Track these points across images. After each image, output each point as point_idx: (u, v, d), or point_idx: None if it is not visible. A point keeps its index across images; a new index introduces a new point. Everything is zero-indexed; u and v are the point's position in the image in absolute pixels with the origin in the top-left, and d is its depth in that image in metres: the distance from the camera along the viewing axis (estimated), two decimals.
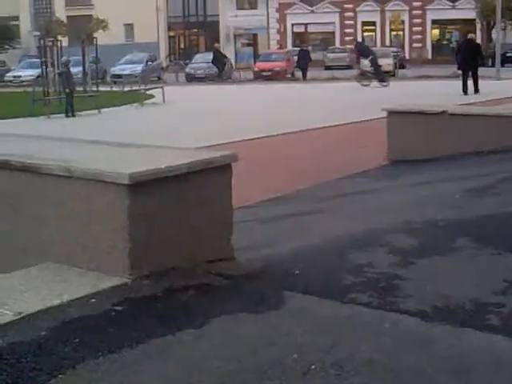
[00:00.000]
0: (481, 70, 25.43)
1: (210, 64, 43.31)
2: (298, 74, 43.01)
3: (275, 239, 5.70)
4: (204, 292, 3.82)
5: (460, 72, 25.06)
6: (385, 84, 30.30)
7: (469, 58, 24.29)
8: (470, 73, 24.46)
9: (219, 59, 41.52)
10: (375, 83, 30.43)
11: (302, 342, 3.16)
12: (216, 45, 47.03)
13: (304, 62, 41.63)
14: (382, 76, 31.54)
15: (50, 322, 3.39)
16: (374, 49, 48.21)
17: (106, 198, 4.01)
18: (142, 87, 26.54)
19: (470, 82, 24.28)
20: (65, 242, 4.24)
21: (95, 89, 26.51)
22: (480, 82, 25.15)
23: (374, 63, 32.17)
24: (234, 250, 4.43)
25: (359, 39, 35.94)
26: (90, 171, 4.07)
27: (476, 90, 24.24)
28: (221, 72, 40.77)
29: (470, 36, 28.00)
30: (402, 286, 3.94)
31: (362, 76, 32.07)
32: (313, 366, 2.92)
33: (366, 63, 32.72)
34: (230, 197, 4.46)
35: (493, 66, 37.28)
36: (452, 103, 16.82)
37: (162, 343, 3.16)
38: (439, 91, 24.58)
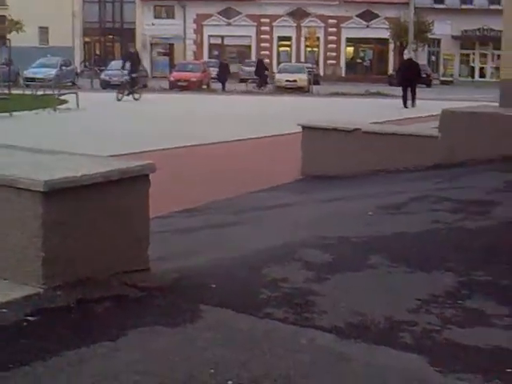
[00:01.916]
0: (391, 89, 26.47)
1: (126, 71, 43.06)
2: (215, 85, 43.28)
3: (190, 251, 5.66)
4: (119, 304, 3.76)
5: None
6: (136, 98, 29.42)
7: (409, 76, 26.92)
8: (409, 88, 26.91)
9: (261, 70, 41.93)
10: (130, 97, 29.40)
11: (219, 356, 3.15)
12: (260, 57, 47.04)
13: (223, 75, 42.36)
14: (135, 90, 30.19)
15: None
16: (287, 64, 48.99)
17: (19, 205, 3.92)
18: (55, 92, 26.09)
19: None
20: None
21: (7, 91, 25.97)
22: (391, 101, 26.19)
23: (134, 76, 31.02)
24: (150, 261, 4.38)
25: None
26: (4, 177, 3.97)
27: (413, 104, 26.67)
28: (263, 82, 41.02)
29: (410, 56, 31.47)
30: (317, 301, 3.97)
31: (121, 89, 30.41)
32: (229, 382, 2.90)
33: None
34: (147, 207, 4.41)
35: None
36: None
37: (75, 356, 3.10)
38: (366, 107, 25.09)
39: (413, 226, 6.08)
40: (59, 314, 3.56)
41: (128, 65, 31.15)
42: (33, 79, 36.49)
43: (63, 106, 24.51)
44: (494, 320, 3.81)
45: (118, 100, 28.65)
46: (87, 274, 4.00)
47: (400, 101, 26.97)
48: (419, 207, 7.08)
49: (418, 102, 27.13)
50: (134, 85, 30.48)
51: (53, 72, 40.06)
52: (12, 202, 3.95)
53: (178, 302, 3.84)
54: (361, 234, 5.84)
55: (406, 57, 44.90)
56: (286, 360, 3.14)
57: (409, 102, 26.95)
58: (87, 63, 59.64)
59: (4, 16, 54.79)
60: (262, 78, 41.73)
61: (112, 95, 29.20)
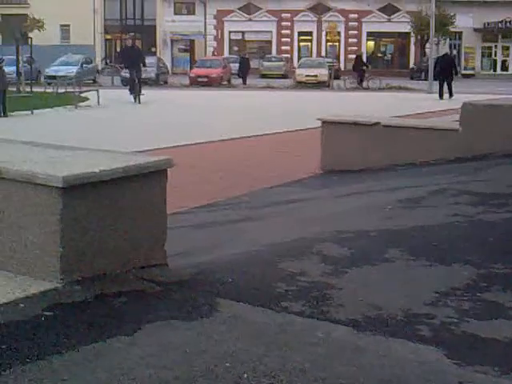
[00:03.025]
0: (412, 83, 27.02)
1: (147, 68, 43.17)
2: (235, 81, 43.36)
3: (208, 246, 5.68)
4: (136, 298, 3.77)
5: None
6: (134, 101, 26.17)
7: (445, 70, 29.83)
8: (446, 82, 29.92)
9: (359, 66, 40.72)
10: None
11: (235, 350, 3.15)
12: (359, 53, 46.69)
13: (244, 70, 42.65)
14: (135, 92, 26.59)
15: None
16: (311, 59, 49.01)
17: (38, 200, 3.93)
18: (76, 89, 26.23)
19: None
20: None
21: (29, 89, 26.14)
22: (412, 95, 28.27)
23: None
24: (167, 256, 4.39)
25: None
26: (23, 173, 3.98)
27: (450, 94, 29.33)
28: (361, 79, 39.64)
29: (446, 51, 35.71)
30: (334, 295, 3.96)
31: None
32: (245, 375, 2.90)
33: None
34: (165, 202, 4.42)
35: (425, 79, 38.05)
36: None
37: (92, 350, 3.11)
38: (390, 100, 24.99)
39: (432, 220, 6.05)
40: (76, 308, 3.58)
41: (127, 62, 27.43)
42: (54, 77, 36.66)
43: (84, 104, 24.66)
44: None
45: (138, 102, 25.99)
46: (105, 269, 4.02)
47: (420, 94, 27.90)
48: (439, 200, 7.05)
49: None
50: (135, 87, 26.65)
51: (74, 70, 40.25)
52: (31, 197, 3.96)
53: (195, 296, 3.84)
54: (379, 227, 5.82)
55: (427, 50, 45.30)
56: (301, 353, 3.13)
57: (445, 96, 29.32)
58: (108, 60, 59.87)
59: (26, 15, 55.09)
60: (359, 74, 40.23)
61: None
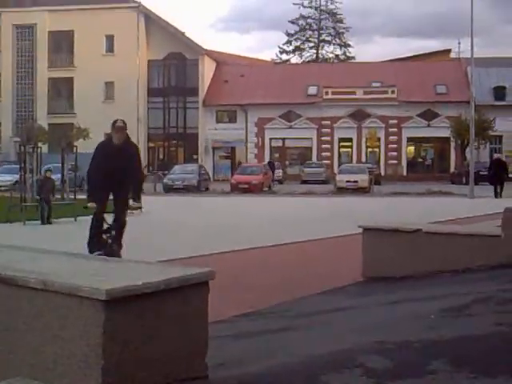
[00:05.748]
0: (453, 188, 27.46)
1: (188, 175, 43.97)
2: (276, 187, 44.00)
3: (249, 357, 5.63)
4: None
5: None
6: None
7: (498, 173, 34.34)
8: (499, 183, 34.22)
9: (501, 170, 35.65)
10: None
11: None
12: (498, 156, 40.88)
13: (272, 174, 45.21)
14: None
15: None
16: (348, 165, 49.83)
17: (81, 312, 3.97)
18: None
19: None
20: (37, 356, 4.18)
21: (72, 196, 26.61)
22: (454, 199, 30.98)
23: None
24: (208, 367, 4.37)
25: None
26: (67, 285, 4.04)
27: (500, 195, 33.29)
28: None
29: (497, 156, 40.52)
30: None
31: None
32: None
33: None
34: (206, 314, 4.43)
35: (466, 184, 38.06)
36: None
37: None
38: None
39: (476, 329, 5.97)
40: None
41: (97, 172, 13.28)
42: None
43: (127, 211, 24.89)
44: None
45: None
46: (146, 380, 4.01)
47: (461, 198, 31.50)
48: (483, 309, 6.96)
49: (483, 199, 29.84)
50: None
51: None
52: (73, 309, 4.01)
53: None
54: (422, 337, 5.74)
55: (467, 156, 46.07)
56: None
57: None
58: (151, 168, 60.93)
59: (72, 124, 56.60)
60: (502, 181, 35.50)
61: (175, 198, 29.61)
